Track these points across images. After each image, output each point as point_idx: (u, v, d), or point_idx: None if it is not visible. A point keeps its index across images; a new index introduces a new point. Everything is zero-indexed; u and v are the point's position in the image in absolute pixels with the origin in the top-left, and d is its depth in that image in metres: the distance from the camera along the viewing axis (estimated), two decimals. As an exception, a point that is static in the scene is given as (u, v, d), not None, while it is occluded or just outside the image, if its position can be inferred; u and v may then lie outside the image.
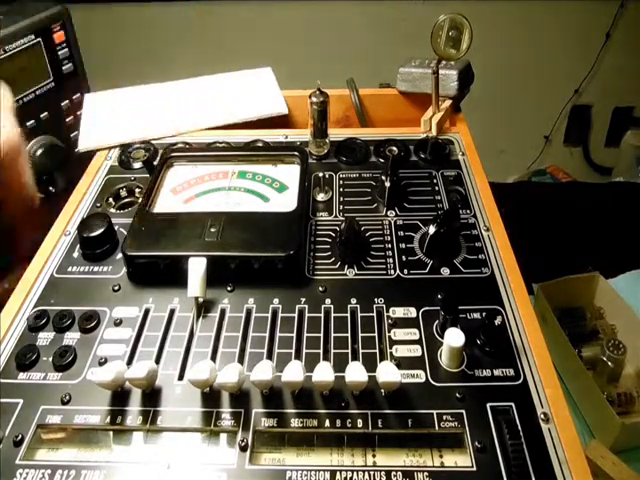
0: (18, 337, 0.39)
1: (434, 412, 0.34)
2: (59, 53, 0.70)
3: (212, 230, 0.43)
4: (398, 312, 0.40)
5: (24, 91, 0.66)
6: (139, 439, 0.34)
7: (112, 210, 0.50)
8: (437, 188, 0.50)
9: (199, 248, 0.41)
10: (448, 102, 0.58)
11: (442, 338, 0.37)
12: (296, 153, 0.51)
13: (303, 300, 0.41)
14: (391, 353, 0.37)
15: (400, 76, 0.62)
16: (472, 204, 0.49)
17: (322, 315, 0.40)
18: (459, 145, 0.55)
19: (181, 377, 0.36)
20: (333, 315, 0.40)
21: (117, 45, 1.73)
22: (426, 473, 0.31)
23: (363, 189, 0.51)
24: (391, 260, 0.44)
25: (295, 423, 0.34)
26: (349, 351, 0.37)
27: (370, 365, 0.35)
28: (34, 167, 0.67)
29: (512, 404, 0.34)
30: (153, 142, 0.57)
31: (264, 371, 0.33)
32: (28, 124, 0.67)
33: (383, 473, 0.31)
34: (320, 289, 0.42)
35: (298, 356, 0.37)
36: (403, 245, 0.45)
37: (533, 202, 1.11)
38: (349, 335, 0.38)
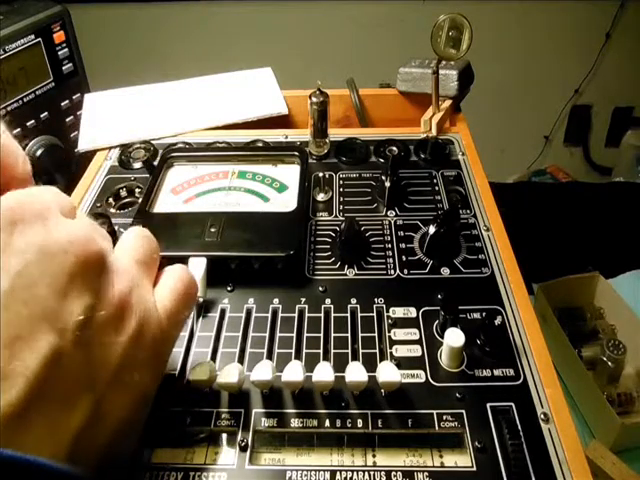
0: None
1: (434, 412, 0.34)
2: (59, 53, 0.70)
3: (212, 230, 0.43)
4: (398, 312, 0.40)
5: (24, 91, 0.66)
6: (139, 439, 0.34)
7: (112, 210, 0.50)
8: (437, 188, 0.50)
9: (199, 248, 0.41)
10: (448, 102, 0.58)
11: (442, 338, 0.37)
12: (296, 153, 0.51)
13: (303, 300, 0.41)
14: (391, 353, 0.37)
15: (400, 76, 0.62)
16: (472, 204, 0.49)
17: (322, 315, 0.40)
18: (459, 145, 0.55)
19: (181, 377, 0.36)
20: (333, 315, 0.40)
21: (117, 45, 1.73)
22: (426, 473, 0.31)
23: (363, 189, 0.51)
24: (391, 260, 0.44)
25: (295, 423, 0.34)
26: (349, 351, 0.37)
27: (370, 365, 0.35)
28: (34, 167, 0.67)
29: (512, 404, 0.34)
30: (153, 142, 0.57)
31: (264, 371, 0.33)
32: (28, 124, 0.67)
33: (383, 473, 0.31)
34: (320, 289, 0.41)
35: (298, 356, 0.37)
36: (403, 245, 0.45)
37: (533, 202, 1.11)
38: (349, 335, 0.38)
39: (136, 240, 0.30)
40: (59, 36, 0.69)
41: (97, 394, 0.24)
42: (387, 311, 0.40)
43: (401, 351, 0.37)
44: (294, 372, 0.33)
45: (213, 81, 0.67)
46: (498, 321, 0.36)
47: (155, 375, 0.28)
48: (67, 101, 0.72)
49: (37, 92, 0.68)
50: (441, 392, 0.35)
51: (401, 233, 0.46)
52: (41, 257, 0.23)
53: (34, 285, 0.22)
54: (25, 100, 0.67)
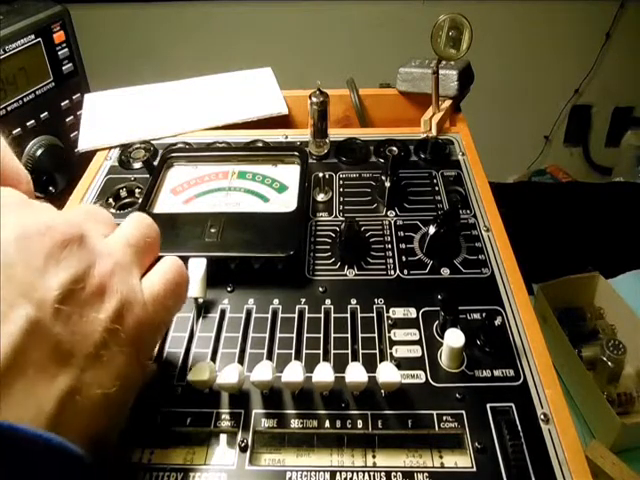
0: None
1: (434, 412, 0.34)
2: (59, 53, 0.70)
3: (212, 230, 0.43)
4: (398, 312, 0.40)
5: (24, 91, 0.66)
6: (139, 439, 0.34)
7: (112, 210, 0.50)
8: (437, 188, 0.50)
9: (199, 248, 0.41)
10: (448, 102, 0.58)
11: (442, 338, 0.37)
12: (296, 153, 0.51)
13: (303, 300, 0.41)
14: (391, 353, 0.37)
15: (400, 76, 0.62)
16: (472, 204, 0.49)
17: (322, 315, 0.40)
18: (459, 145, 0.55)
19: (181, 377, 0.36)
20: (333, 315, 0.40)
21: (117, 45, 1.73)
22: (426, 474, 0.31)
23: (363, 189, 0.51)
24: (391, 260, 0.44)
25: (295, 424, 0.34)
26: (349, 352, 0.37)
27: (370, 366, 0.35)
28: (34, 167, 0.67)
29: (512, 405, 0.34)
30: (153, 142, 0.57)
31: (264, 372, 0.33)
32: (28, 124, 0.67)
33: (383, 474, 0.31)
34: (320, 289, 0.41)
35: (298, 357, 0.37)
36: (403, 245, 0.45)
37: (533, 202, 1.11)
38: (349, 336, 0.38)
39: (133, 225, 0.32)
40: (59, 36, 0.69)
41: (77, 367, 0.25)
42: (387, 311, 0.40)
43: (401, 351, 0.37)
44: (294, 373, 0.33)
45: (213, 81, 0.67)
46: (498, 321, 0.36)
47: (137, 357, 0.29)
48: (67, 101, 0.72)
49: (37, 92, 0.68)
50: (441, 393, 0.35)
51: (401, 233, 0.46)
52: (19, 239, 0.25)
53: (11, 264, 0.24)
54: (25, 100, 0.67)
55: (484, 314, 0.38)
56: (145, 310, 0.29)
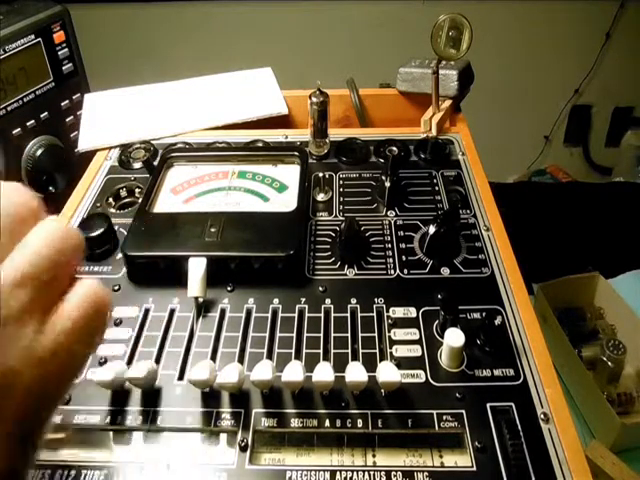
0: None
1: (434, 412, 0.34)
2: (59, 53, 0.70)
3: (212, 230, 0.43)
4: (398, 312, 0.40)
5: (24, 91, 0.66)
6: (139, 439, 0.34)
7: (112, 210, 0.50)
8: (437, 188, 0.50)
9: (199, 248, 0.41)
10: (448, 102, 0.58)
11: (442, 338, 0.37)
12: (296, 153, 0.51)
13: (303, 300, 0.41)
14: (391, 353, 0.37)
15: (400, 76, 0.62)
16: (472, 204, 0.49)
17: (322, 315, 0.40)
18: (459, 145, 0.55)
19: (181, 377, 0.36)
20: (333, 315, 0.40)
21: (117, 45, 1.73)
22: (426, 473, 0.31)
23: (363, 189, 0.51)
24: (391, 260, 0.44)
25: (295, 423, 0.34)
26: (349, 351, 0.37)
27: (370, 365, 0.35)
28: (34, 167, 0.67)
29: (512, 404, 0.34)
30: (153, 142, 0.57)
31: (264, 371, 0.33)
32: (28, 124, 0.67)
33: (383, 473, 0.31)
34: (320, 289, 0.41)
35: (298, 356, 0.37)
36: (403, 245, 0.45)
37: (533, 202, 1.11)
38: (349, 335, 0.38)
39: (37, 245, 0.22)
40: (59, 36, 0.69)
41: None
42: (387, 311, 0.40)
43: (401, 351, 0.37)
44: (294, 372, 0.33)
45: (213, 81, 0.67)
46: (498, 321, 0.36)
47: (20, 443, 0.21)
48: (67, 101, 0.72)
49: (37, 92, 0.68)
50: (441, 392, 0.35)
51: (401, 233, 0.46)
52: None
53: None
54: (25, 100, 0.67)
55: (484, 314, 0.38)
56: (42, 369, 0.21)
